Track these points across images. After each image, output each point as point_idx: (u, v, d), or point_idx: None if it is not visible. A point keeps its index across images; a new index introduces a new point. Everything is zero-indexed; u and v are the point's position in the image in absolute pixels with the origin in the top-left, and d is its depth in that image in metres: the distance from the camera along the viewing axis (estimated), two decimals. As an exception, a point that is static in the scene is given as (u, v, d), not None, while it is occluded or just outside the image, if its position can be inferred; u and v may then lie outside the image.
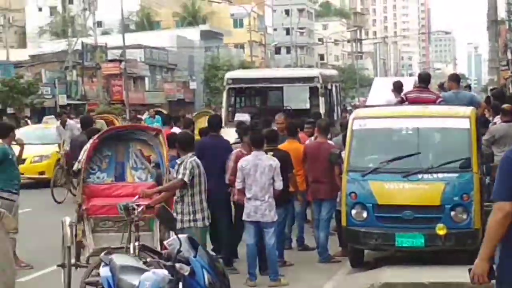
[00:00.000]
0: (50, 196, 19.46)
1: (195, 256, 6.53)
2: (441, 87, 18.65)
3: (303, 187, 12.60)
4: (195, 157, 9.66)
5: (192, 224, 9.49)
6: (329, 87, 22.05)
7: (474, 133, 11.06)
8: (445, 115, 11.58)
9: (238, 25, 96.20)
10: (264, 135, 11.47)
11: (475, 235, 10.37)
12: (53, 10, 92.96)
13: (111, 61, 61.06)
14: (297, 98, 23.02)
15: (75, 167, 10.72)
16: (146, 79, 68.78)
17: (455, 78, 14.80)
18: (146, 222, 9.86)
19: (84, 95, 58.01)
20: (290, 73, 25.54)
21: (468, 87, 25.73)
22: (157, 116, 31.69)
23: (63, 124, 22.12)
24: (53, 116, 29.95)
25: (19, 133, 15.44)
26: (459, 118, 11.34)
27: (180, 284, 6.34)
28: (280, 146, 12.33)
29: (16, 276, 8.75)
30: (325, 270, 11.74)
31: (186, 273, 6.36)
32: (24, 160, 18.11)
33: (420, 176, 10.75)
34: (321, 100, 20.72)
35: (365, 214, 10.84)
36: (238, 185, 10.79)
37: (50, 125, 25.18)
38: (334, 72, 28.09)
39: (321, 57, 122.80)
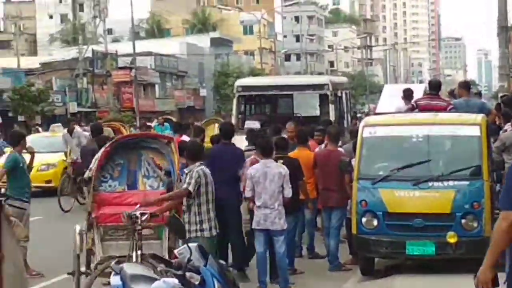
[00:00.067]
0: (57, 205, 19.36)
1: (205, 265, 6.53)
2: (451, 94, 18.60)
3: (313, 195, 12.58)
4: (202, 166, 9.60)
5: (199, 234, 9.42)
6: (339, 94, 22.05)
7: (484, 141, 11.04)
8: (456, 122, 11.56)
9: (248, 32, 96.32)
10: (274, 142, 11.47)
11: (486, 243, 10.25)
12: (63, 17, 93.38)
13: (121, 68, 61.22)
14: (307, 106, 23.01)
15: (86, 175, 10.73)
16: (156, 86, 68.93)
17: (466, 85, 14.77)
18: (155, 230, 9.86)
19: (95, 103, 58.16)
20: (300, 80, 25.55)
21: (479, 94, 25.63)
22: (166, 124, 31.72)
23: (71, 132, 21.94)
24: (60, 124, 29.78)
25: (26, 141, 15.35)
26: (469, 126, 11.31)
27: (190, 293, 6.33)
28: (290, 154, 12.33)
29: (27, 284, 8.76)
30: (335, 278, 11.72)
31: (197, 282, 6.36)
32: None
33: (430, 184, 10.72)
34: (331, 107, 20.73)
35: (375, 222, 10.82)
36: (247, 193, 10.78)
37: (57, 133, 24.96)
38: (344, 79, 28.10)
39: (331, 64, 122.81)
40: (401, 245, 10.71)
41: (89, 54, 58.30)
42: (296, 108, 22.61)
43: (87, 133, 22.59)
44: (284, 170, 10.66)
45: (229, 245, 11.86)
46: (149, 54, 66.12)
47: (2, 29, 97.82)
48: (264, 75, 71.24)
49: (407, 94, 14.97)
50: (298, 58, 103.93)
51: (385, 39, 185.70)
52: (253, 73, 73.22)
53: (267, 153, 10.80)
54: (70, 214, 18.70)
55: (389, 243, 10.78)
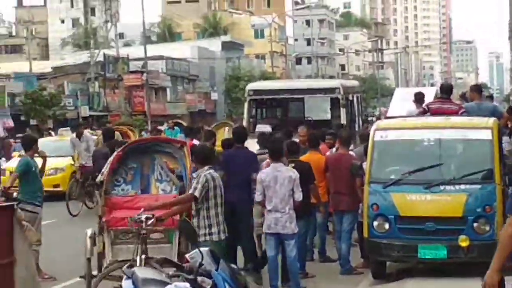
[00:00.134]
0: (65, 209, 19.30)
1: (217, 270, 6.53)
2: (463, 97, 18.57)
3: (325, 199, 12.58)
4: (211, 170, 9.54)
5: (207, 238, 9.34)
6: (350, 98, 22.04)
7: (496, 144, 11.02)
8: (467, 126, 11.55)
9: (259, 36, 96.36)
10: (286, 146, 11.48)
11: (498, 247, 10.29)
12: (75, 22, 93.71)
13: (132, 72, 61.34)
14: (318, 109, 23.01)
15: (98, 179, 10.77)
16: (168, 90, 69.05)
17: (477, 89, 14.75)
18: (166, 234, 9.88)
19: (106, 107, 58.31)
20: (311, 84, 25.56)
21: (490, 97, 25.58)
22: (176, 128, 31.69)
23: (79, 136, 21.78)
24: (68, 128, 29.65)
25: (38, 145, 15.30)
26: (481, 129, 11.30)
27: (202, 298, 6.34)
28: (302, 158, 12.34)
29: (39, 288, 8.80)
30: (347, 282, 11.71)
31: (208, 287, 6.36)
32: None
33: (442, 187, 10.72)
34: (342, 111, 20.72)
35: (387, 226, 10.81)
36: (257, 197, 10.76)
37: (65, 137, 24.82)
38: (355, 82, 28.06)
39: (342, 67, 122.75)
40: (413, 248, 10.70)
41: (100, 58, 58.47)
42: (307, 112, 22.61)
43: (95, 137, 22.62)
44: (294, 174, 10.66)
45: (237, 249, 11.87)
46: (160, 58, 66.23)
47: (14, 34, 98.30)
48: (275, 78, 71.29)
49: (419, 98, 14.97)
50: (309, 62, 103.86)
51: (396, 42, 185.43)
52: (264, 76, 73.21)
53: (277, 157, 10.80)
54: (82, 218, 18.69)
55: (400, 246, 10.77)
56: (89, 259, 10.10)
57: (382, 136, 11.39)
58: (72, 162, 21.93)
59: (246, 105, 21.73)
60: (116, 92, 60.30)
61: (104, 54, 59.34)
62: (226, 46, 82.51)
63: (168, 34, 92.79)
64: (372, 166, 11.15)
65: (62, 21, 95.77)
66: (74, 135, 22.49)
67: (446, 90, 13.75)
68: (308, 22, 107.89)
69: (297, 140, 13.94)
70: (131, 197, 10.51)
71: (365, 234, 11.09)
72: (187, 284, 6.41)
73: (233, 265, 7.29)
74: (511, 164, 11.77)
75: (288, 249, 10.66)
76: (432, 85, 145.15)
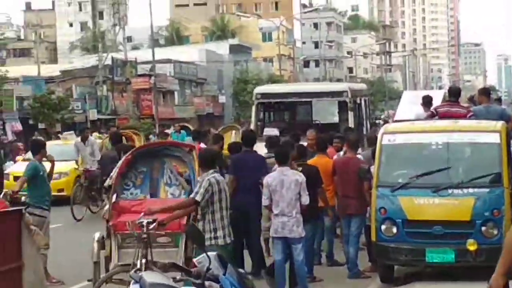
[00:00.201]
0: (70, 213, 19.21)
1: (224, 274, 6.53)
2: (471, 100, 18.53)
3: (332, 202, 12.57)
4: (215, 174, 9.50)
5: (213, 241, 9.31)
6: (358, 101, 22.05)
7: (504, 148, 11.00)
8: (475, 129, 11.52)
9: (267, 39, 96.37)
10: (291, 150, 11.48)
11: (506, 251, 10.26)
12: (83, 25, 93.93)
13: (140, 75, 61.41)
14: (326, 113, 23.00)
15: (106, 183, 10.80)
16: (176, 94, 69.09)
17: (486, 92, 14.71)
18: (173, 238, 9.88)
19: (114, 110, 58.38)
20: (319, 87, 25.55)
21: (499, 100, 25.53)
22: (182, 131, 31.65)
23: (84, 140, 21.61)
24: (72, 132, 29.39)
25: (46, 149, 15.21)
26: (489, 133, 11.27)
27: (210, 302, 6.34)
28: (310, 161, 12.34)
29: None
30: (354, 285, 11.70)
31: (216, 291, 6.36)
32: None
33: (450, 191, 10.70)
34: (350, 114, 20.72)
35: (394, 230, 10.80)
36: (264, 202, 10.74)
37: (69, 141, 24.47)
38: (363, 86, 28.07)
39: (350, 70, 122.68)
40: (421, 252, 10.68)
41: (108, 61, 58.55)
42: (315, 115, 22.61)
43: (100, 141, 22.58)
44: (301, 177, 10.65)
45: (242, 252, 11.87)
46: (168, 61, 66.30)
47: (22, 37, 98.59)
48: (283, 81, 71.29)
49: (426, 101, 14.93)
50: (317, 65, 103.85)
51: (404, 45, 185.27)
52: (272, 79, 73.24)
53: (284, 161, 10.79)
54: (89, 222, 18.68)
55: (408, 250, 10.76)
56: (96, 263, 10.12)
57: (390, 140, 11.37)
58: (76, 166, 21.75)
59: (253, 108, 21.75)
60: (124, 95, 60.39)
61: (112, 58, 59.43)
62: (234, 49, 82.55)
63: (176, 37, 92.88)
64: (380, 169, 11.14)
65: (71, 25, 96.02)
66: (78, 139, 22.30)
67: (454, 93, 13.73)
68: (316, 25, 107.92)
69: (305, 143, 13.96)
70: (139, 201, 10.53)
71: (373, 238, 11.08)
72: (195, 289, 6.41)
73: (240, 270, 7.29)
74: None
75: (296, 253, 10.64)
76: (440, 88, 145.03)
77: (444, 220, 10.60)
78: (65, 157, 22.23)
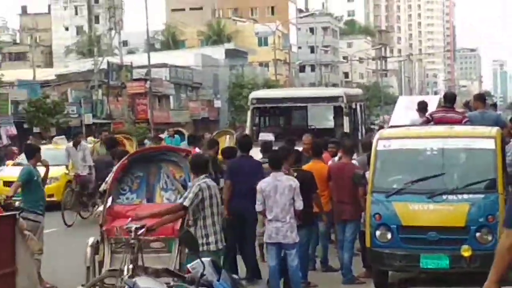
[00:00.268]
0: (61, 219, 18.98)
1: (218, 280, 6.52)
2: (467, 105, 18.55)
3: (327, 208, 12.56)
4: (206, 179, 9.46)
5: (205, 247, 9.25)
6: (353, 106, 22.03)
7: (499, 154, 11.00)
8: (471, 135, 11.52)
9: (262, 44, 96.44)
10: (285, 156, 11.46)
11: (501, 257, 10.25)
12: (79, 29, 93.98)
13: (136, 80, 61.40)
14: (321, 118, 22.99)
15: (101, 188, 10.79)
16: (171, 98, 69.08)
17: (481, 98, 14.71)
18: (166, 243, 9.86)
19: (110, 114, 58.35)
20: (315, 92, 25.53)
21: (494, 105, 25.56)
22: (176, 136, 31.56)
23: (76, 145, 21.17)
24: (63, 136, 29.02)
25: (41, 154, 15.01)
26: (484, 139, 11.27)
27: (204, 308, 6.32)
28: (305, 167, 12.33)
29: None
30: (349, 291, 11.68)
31: (210, 297, 6.35)
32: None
33: (445, 197, 10.69)
34: (346, 119, 20.71)
35: (389, 235, 10.79)
36: (258, 207, 10.72)
37: (60, 145, 24.12)
38: (358, 91, 28.06)
39: (346, 75, 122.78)
40: (415, 258, 10.67)
41: (104, 66, 58.55)
42: (311, 120, 22.60)
43: (91, 145, 22.43)
44: (295, 182, 10.64)
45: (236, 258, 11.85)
46: (164, 65, 66.30)
47: (18, 41, 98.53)
48: (278, 86, 71.29)
49: (422, 107, 14.95)
50: (313, 69, 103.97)
51: (400, 50, 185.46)
52: (268, 84, 73.26)
53: (277, 166, 10.78)
54: (83, 226, 18.60)
55: (403, 256, 10.74)
56: (89, 268, 10.09)
57: (385, 145, 11.37)
58: (67, 171, 21.42)
59: (249, 113, 21.72)
60: (119, 99, 60.36)
61: (108, 62, 59.42)
62: (229, 53, 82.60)
63: (172, 41, 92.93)
64: (375, 175, 11.13)
65: (66, 29, 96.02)
66: (70, 144, 21.89)
67: (449, 99, 13.73)
68: (312, 30, 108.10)
69: (300, 148, 13.95)
70: (134, 206, 10.51)
71: (368, 244, 11.06)
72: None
73: (234, 276, 7.28)
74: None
75: (290, 259, 10.63)
76: (435, 93, 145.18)
77: (439, 226, 10.59)
78: (56, 162, 21.77)
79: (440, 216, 10.63)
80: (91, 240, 10.35)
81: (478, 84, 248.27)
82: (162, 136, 31.66)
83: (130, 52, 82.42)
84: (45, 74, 61.35)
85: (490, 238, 10.47)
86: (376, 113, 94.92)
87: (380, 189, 10.99)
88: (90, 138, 27.94)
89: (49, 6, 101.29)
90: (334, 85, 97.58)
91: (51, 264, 12.98)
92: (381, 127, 24.05)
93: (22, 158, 18.90)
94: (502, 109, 67.61)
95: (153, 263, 9.06)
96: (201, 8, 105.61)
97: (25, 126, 47.28)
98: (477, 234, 10.51)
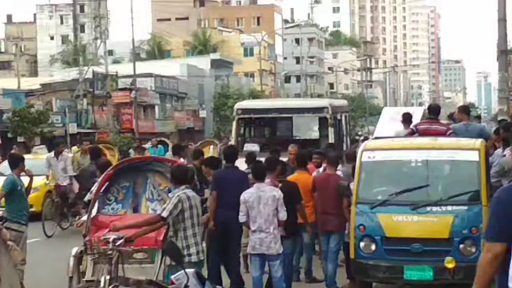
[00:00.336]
0: (40, 230, 18.63)
1: (202, 291, 6.51)
2: (451, 117, 18.63)
3: (312, 219, 12.55)
4: (186, 190, 9.38)
5: (186, 259, 9.07)
6: (338, 117, 22.06)
7: (483, 166, 11.04)
8: (455, 147, 11.56)
9: (248, 54, 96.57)
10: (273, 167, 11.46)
11: (484, 269, 10.26)
12: (64, 38, 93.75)
13: (121, 89, 61.33)
14: (306, 129, 23.03)
15: (86, 198, 10.76)
16: (156, 108, 69.03)
17: (465, 110, 14.80)
18: (149, 254, 9.83)
19: (94, 124, 58.23)
20: (300, 103, 25.57)
21: (478, 117, 25.69)
22: (159, 146, 31.42)
23: (58, 154, 20.79)
24: (43, 146, 28.66)
25: (5, 163, 14.77)
26: (468, 151, 11.31)
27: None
28: (290, 177, 12.33)
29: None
30: (333, 302, 11.66)
31: (193, 308, 6.33)
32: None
33: (429, 208, 10.71)
34: (331, 130, 20.73)
35: (373, 247, 10.80)
36: (241, 218, 10.69)
37: (40, 155, 23.67)
38: (343, 102, 28.12)
39: (331, 85, 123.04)
40: (399, 269, 10.68)
41: (89, 75, 58.43)
42: (296, 131, 22.62)
43: (71, 155, 22.24)
44: (278, 193, 10.63)
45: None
46: (149, 75, 66.27)
47: (3, 50, 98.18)
48: (264, 97, 71.42)
49: (406, 118, 15.01)
50: (298, 80, 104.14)
51: (385, 62, 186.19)
52: (253, 94, 73.35)
53: (260, 177, 10.77)
54: (67, 236, 18.44)
55: (387, 267, 10.75)
56: (71, 278, 10.05)
57: (370, 157, 11.38)
58: (47, 182, 21.05)
59: (234, 124, 21.70)
60: (104, 109, 60.25)
61: (93, 71, 59.32)
62: (215, 64, 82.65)
63: (158, 51, 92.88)
64: (359, 186, 11.14)
65: (52, 38, 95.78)
66: (52, 154, 21.51)
67: (434, 111, 13.80)
68: (297, 41, 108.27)
69: (285, 159, 13.95)
70: (119, 216, 10.48)
71: (352, 255, 11.07)
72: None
73: (218, 286, 7.27)
74: (498, 186, 11.78)
75: (274, 270, 10.62)
76: (420, 104, 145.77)
77: (423, 238, 10.61)
78: (36, 171, 21.70)
79: (424, 227, 10.65)
80: (74, 250, 10.31)
81: (463, 96, 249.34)
82: (145, 146, 31.50)
83: (116, 61, 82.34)
84: (30, 83, 61.21)
85: (473, 250, 10.49)
86: (361, 124, 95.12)
87: (364, 200, 11.01)
88: (75, 148, 27.79)
89: (34, 15, 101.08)
90: (320, 96, 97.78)
91: (34, 274, 12.91)
92: (366, 138, 24.09)
93: (4, 167, 18.60)
94: (486, 120, 67.85)
95: (136, 274, 9.04)
96: (187, 18, 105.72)
97: (9, 135, 47.07)
98: (461, 246, 10.53)
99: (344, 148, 22.00)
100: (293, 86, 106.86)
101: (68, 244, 10.92)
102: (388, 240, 10.73)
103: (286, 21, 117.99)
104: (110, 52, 77.44)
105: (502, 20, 26.33)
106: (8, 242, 9.04)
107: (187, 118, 72.59)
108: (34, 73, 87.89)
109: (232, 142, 21.16)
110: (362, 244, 10.85)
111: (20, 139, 46.56)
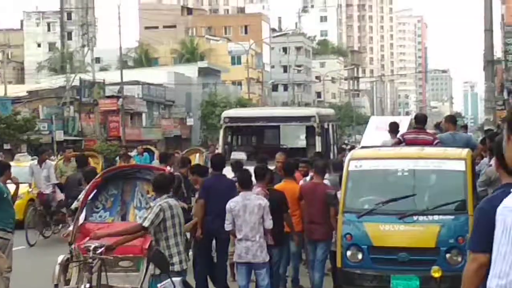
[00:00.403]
0: (23, 238, 18.25)
1: (188, 300, 6.50)
2: (438, 127, 18.70)
3: (299, 228, 12.55)
4: (168, 199, 9.21)
5: (169, 268, 8.74)
6: (325, 126, 22.07)
7: (470, 175, 11.06)
8: (441, 157, 11.59)
9: (236, 62, 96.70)
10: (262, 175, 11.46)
11: (471, 278, 10.29)
12: (52, 46, 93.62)
13: (108, 97, 61.27)
14: (293, 137, 23.03)
15: (73, 206, 10.73)
16: (143, 115, 69.02)
17: (452, 120, 14.86)
18: (135, 262, 9.80)
19: (81, 131, 58.13)
20: (287, 112, 25.57)
21: (465, 127, 25.81)
22: (145, 154, 31.33)
23: (41, 162, 20.52)
24: (25, 153, 28.39)
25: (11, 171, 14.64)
26: (455, 160, 11.34)
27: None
28: (277, 186, 12.32)
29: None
30: (320, 311, 11.66)
31: (180, 317, 6.32)
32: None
33: (415, 218, 10.72)
34: (318, 139, 20.73)
35: (360, 256, 10.80)
36: (227, 227, 10.65)
37: (22, 163, 23.32)
38: (331, 111, 28.14)
39: (318, 94, 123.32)
40: (386, 279, 10.69)
41: (76, 82, 58.36)
42: (283, 140, 22.62)
43: (54, 162, 22.09)
44: (264, 201, 10.62)
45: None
46: (136, 83, 66.26)
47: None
48: (251, 105, 71.45)
49: (393, 128, 15.04)
50: (286, 89, 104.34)
51: (372, 71, 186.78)
52: (240, 103, 73.42)
53: (246, 186, 10.76)
54: (53, 244, 18.29)
55: (373, 276, 10.76)
56: (57, 286, 10.01)
57: (357, 166, 11.39)
58: (29, 189, 20.70)
59: (221, 132, 21.68)
60: (91, 116, 60.18)
61: (80, 79, 59.28)
62: (202, 72, 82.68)
63: (145, 59, 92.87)
64: (346, 195, 11.15)
65: (39, 45, 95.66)
66: (35, 161, 21.23)
67: (420, 121, 13.84)
68: (285, 49, 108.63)
69: (273, 167, 13.95)
70: (106, 224, 10.45)
71: (338, 264, 11.07)
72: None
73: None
74: (484, 195, 11.81)
75: (260, 278, 10.61)
76: (407, 113, 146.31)
77: (409, 247, 10.62)
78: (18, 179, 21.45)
79: (410, 237, 10.67)
80: (60, 257, 10.26)
81: (449, 105, 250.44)
82: (131, 154, 31.41)
83: (103, 69, 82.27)
84: (17, 90, 61.09)
85: (459, 259, 10.51)
86: (348, 133, 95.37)
87: (351, 209, 11.01)
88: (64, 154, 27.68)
89: (21, 22, 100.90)
90: (307, 104, 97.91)
91: (20, 282, 12.85)
92: (353, 147, 24.14)
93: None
94: (473, 130, 68.09)
95: (122, 282, 9.02)
96: (174, 26, 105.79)
97: (-5, 142, 46.96)
98: (447, 255, 10.55)
99: (331, 157, 22.02)
100: (280, 94, 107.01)
101: (52, 253, 10.87)
102: (374, 249, 10.73)
103: (273, 30, 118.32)
104: (97, 60, 77.35)
105: (489, 31, 26.49)
106: (-6, 250, 8.99)
107: (174, 126, 72.59)
108: (20, 80, 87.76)
109: (219, 150, 21.14)
110: (348, 253, 10.85)
111: (6, 146, 46.41)
